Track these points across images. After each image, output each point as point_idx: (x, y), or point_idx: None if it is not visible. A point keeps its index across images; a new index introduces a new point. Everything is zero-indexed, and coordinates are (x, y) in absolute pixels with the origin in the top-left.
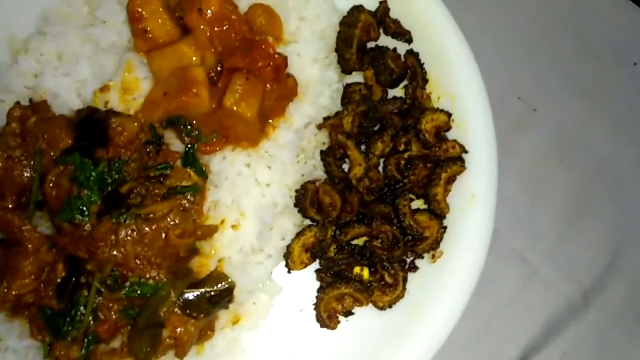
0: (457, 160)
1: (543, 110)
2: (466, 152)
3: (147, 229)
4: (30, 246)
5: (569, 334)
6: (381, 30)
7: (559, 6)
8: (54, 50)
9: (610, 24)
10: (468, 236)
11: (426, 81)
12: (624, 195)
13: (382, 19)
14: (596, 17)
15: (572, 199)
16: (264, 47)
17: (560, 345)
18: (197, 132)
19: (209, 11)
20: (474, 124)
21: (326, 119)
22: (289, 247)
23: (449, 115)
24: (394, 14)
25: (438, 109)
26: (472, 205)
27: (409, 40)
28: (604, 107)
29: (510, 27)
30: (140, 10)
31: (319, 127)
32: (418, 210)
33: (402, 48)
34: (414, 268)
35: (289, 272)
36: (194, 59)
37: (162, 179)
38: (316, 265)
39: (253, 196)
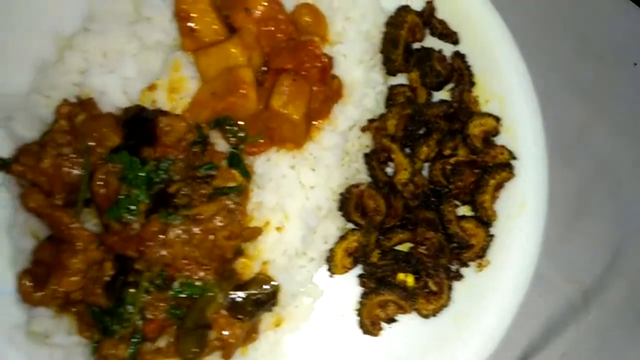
0: (505, 167)
1: (543, 110)
2: (515, 158)
3: (195, 229)
4: (79, 243)
5: (569, 334)
6: (426, 31)
7: (559, 6)
8: (98, 47)
9: (610, 24)
10: (516, 246)
11: (473, 84)
12: (624, 195)
13: (428, 19)
14: (596, 17)
15: (572, 199)
16: (311, 47)
17: (560, 345)
18: (243, 133)
19: (256, 10)
20: (523, 129)
21: (370, 121)
22: (331, 250)
23: (498, 119)
24: (439, 14)
25: (486, 113)
26: (521, 214)
27: (456, 42)
28: (604, 107)
29: (510, 27)
30: (187, 8)
31: (363, 130)
32: (464, 216)
33: (447, 49)
34: (458, 276)
35: (331, 275)
36: (241, 58)
37: (208, 179)
38: (358, 269)
39: (297, 199)
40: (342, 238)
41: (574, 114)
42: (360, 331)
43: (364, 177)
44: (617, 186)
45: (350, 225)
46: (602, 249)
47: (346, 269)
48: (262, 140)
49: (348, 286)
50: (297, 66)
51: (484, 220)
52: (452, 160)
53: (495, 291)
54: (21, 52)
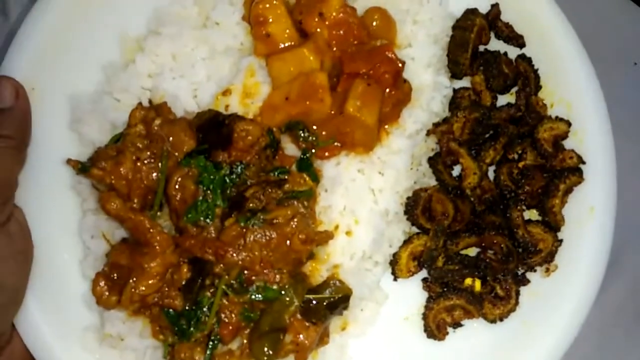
0: (575, 171)
1: None
2: (584, 162)
3: (273, 233)
4: (157, 247)
5: None
6: (491, 34)
7: (559, 6)
8: (168, 51)
9: (610, 24)
10: (585, 251)
11: (539, 87)
12: (624, 195)
13: (494, 22)
14: (596, 17)
15: None
16: (386, 52)
17: None
18: (314, 137)
19: (330, 15)
20: (592, 133)
21: (436, 124)
22: (395, 254)
23: (569, 124)
24: (504, 17)
25: (557, 117)
26: (590, 219)
27: (522, 45)
28: None
29: None
30: (265, 14)
31: (428, 133)
32: (530, 221)
33: (510, 52)
34: (526, 281)
35: (395, 279)
36: (315, 63)
37: (281, 183)
38: (421, 273)
39: (366, 203)
40: (407, 242)
41: None
42: (424, 335)
43: (427, 180)
44: (617, 186)
45: (414, 229)
46: None
47: (411, 273)
48: (336, 144)
49: (411, 290)
50: (372, 70)
51: (552, 225)
52: (520, 164)
53: (563, 297)
54: (86, 52)
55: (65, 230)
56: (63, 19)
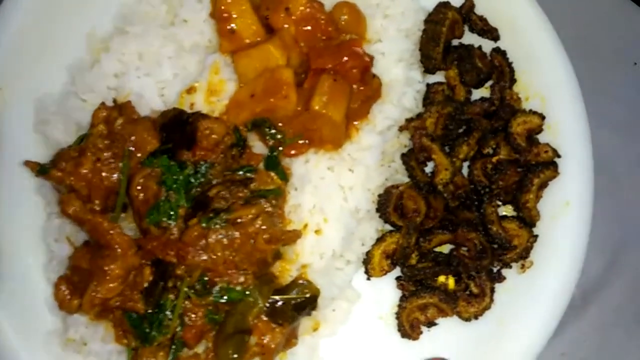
0: (549, 165)
1: None
2: (559, 156)
3: (235, 233)
4: (118, 249)
5: (568, 333)
6: (465, 28)
7: (559, 6)
8: (134, 50)
9: (610, 24)
10: (561, 246)
11: (514, 81)
12: (624, 194)
13: (468, 16)
14: (596, 17)
15: None
16: (354, 47)
17: (560, 345)
18: (281, 135)
19: (297, 10)
20: (567, 126)
21: (408, 120)
22: (368, 253)
23: (542, 117)
24: (478, 10)
25: (530, 110)
26: (566, 213)
27: (496, 38)
28: (604, 107)
29: None
30: (228, 9)
31: (401, 129)
32: (505, 217)
33: (486, 45)
34: (501, 278)
35: (368, 278)
36: (281, 59)
37: (247, 182)
38: (395, 271)
39: (336, 200)
40: (380, 240)
41: None
42: (398, 334)
43: (400, 177)
44: (617, 186)
45: (388, 227)
46: (602, 249)
47: (384, 272)
48: (301, 142)
49: (385, 289)
50: (339, 66)
51: (527, 220)
52: (494, 159)
53: (539, 293)
54: (54, 53)
55: (30, 233)
56: (30, 19)
